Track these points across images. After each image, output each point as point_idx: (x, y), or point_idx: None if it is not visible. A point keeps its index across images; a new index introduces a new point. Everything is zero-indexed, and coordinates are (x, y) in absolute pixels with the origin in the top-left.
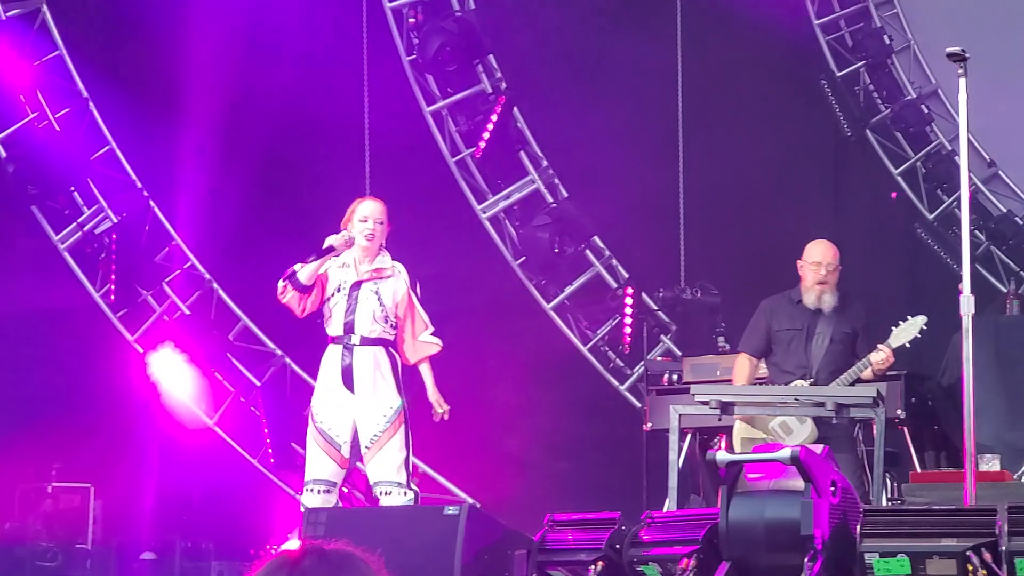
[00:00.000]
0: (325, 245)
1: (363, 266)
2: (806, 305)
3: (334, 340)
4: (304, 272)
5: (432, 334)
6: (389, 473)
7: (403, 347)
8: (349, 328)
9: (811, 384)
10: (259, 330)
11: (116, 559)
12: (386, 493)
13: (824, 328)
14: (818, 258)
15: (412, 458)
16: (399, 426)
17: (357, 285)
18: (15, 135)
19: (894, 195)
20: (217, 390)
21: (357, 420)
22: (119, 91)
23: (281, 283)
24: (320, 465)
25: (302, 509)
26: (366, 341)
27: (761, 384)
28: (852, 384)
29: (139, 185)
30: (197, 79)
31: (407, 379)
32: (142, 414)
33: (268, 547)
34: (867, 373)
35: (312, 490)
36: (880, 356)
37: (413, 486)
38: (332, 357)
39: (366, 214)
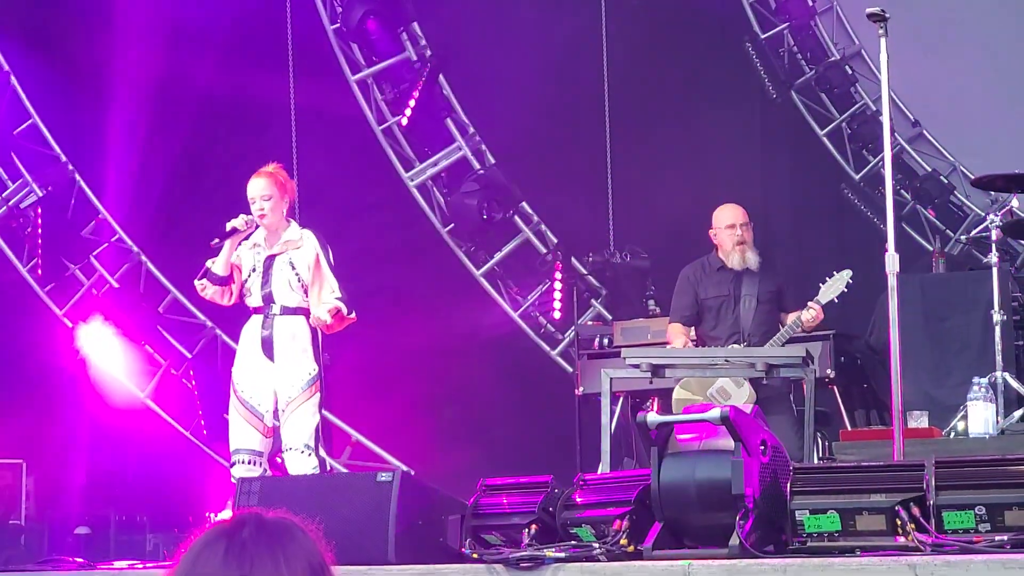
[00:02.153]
0: (228, 227)
1: (273, 241)
2: (732, 268)
3: (255, 311)
4: (217, 264)
5: (338, 298)
6: (299, 436)
7: (311, 311)
8: (268, 299)
9: (745, 347)
10: (188, 302)
11: (50, 534)
12: (289, 448)
13: (749, 290)
14: (731, 220)
15: (325, 415)
16: (313, 393)
17: (271, 259)
18: None
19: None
20: (148, 363)
21: (277, 389)
22: (41, 64)
23: (198, 283)
24: (243, 435)
25: (233, 480)
26: (286, 311)
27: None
28: (785, 345)
29: (64, 159)
30: (121, 51)
31: (331, 348)
32: (72, 388)
33: (206, 515)
34: (800, 332)
35: (240, 461)
36: (810, 314)
37: (322, 453)
38: (252, 327)
39: (252, 195)
